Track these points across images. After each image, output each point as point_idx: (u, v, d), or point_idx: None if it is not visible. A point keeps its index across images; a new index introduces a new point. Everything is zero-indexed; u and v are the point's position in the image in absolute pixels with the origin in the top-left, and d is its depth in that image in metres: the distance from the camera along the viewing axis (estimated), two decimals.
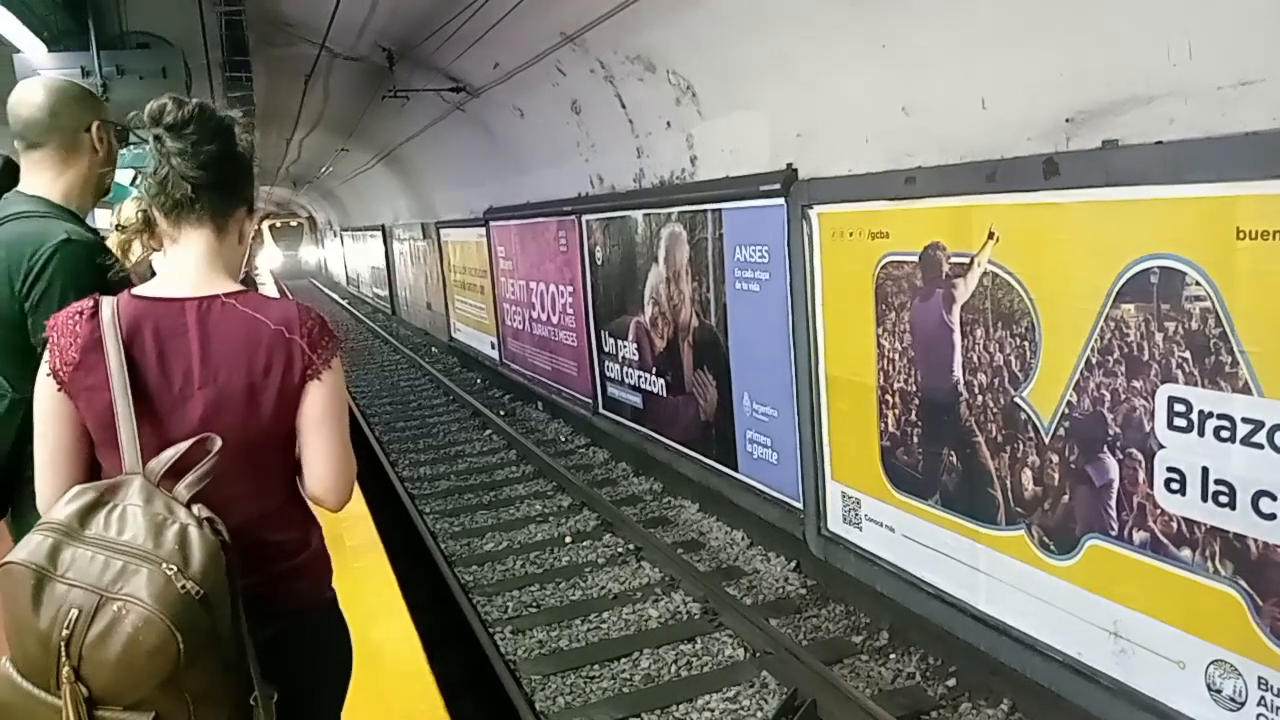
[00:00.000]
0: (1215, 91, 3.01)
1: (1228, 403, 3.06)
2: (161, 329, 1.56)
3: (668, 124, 6.75)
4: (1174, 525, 3.31)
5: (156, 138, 1.59)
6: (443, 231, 15.26)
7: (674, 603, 5.61)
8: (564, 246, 9.37)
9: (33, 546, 1.40)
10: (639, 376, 8.00)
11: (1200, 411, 3.16)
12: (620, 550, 6.52)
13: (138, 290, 1.62)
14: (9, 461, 2.10)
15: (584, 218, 8.70)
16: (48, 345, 1.57)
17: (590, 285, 8.84)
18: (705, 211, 6.40)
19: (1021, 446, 3.93)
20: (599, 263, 8.55)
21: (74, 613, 1.34)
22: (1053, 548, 3.84)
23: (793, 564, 5.92)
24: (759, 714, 4.37)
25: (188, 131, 1.59)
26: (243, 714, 1.45)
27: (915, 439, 4.56)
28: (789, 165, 5.31)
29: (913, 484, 4.62)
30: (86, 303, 1.58)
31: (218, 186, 1.64)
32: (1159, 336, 3.28)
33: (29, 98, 2.19)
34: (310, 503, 1.72)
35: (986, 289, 3.99)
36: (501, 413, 11.21)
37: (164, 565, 1.37)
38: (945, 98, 4.14)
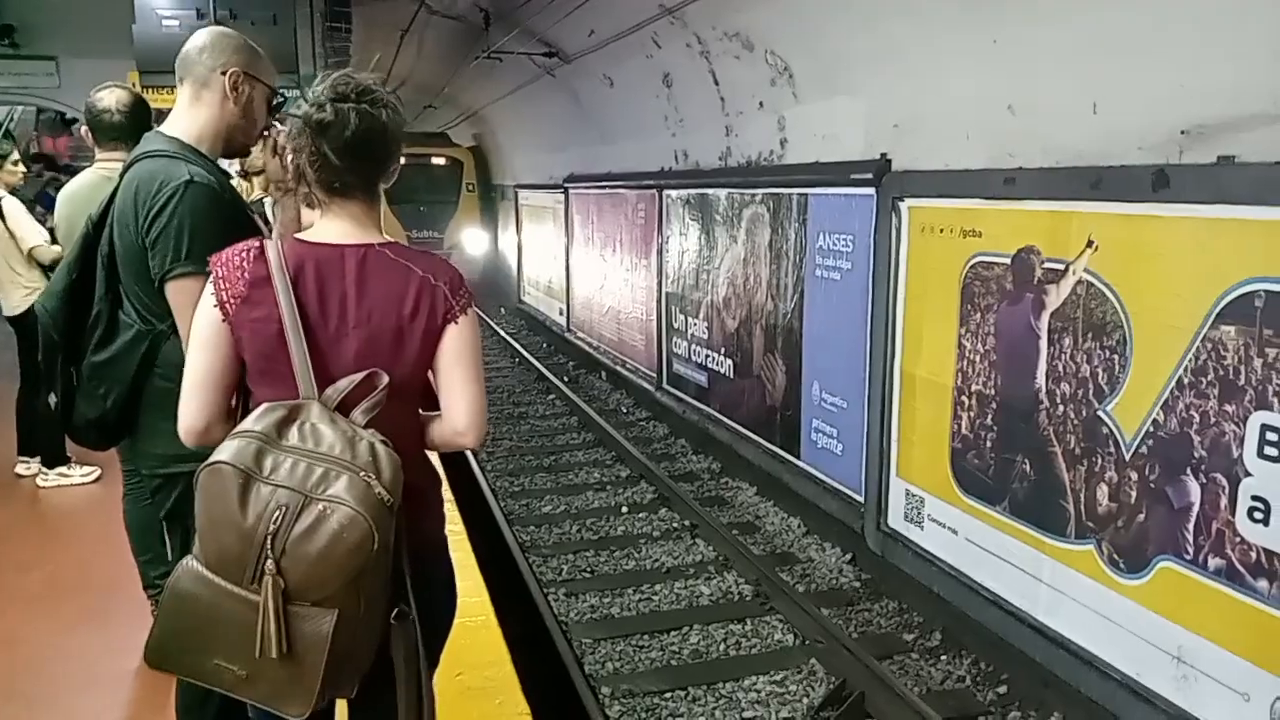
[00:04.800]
0: None
1: None
2: (322, 271, 1.66)
3: (760, 104, 6.71)
4: (1253, 555, 3.24)
5: (320, 122, 1.62)
6: (520, 194, 15.39)
7: (726, 582, 5.65)
8: (642, 219, 9.39)
9: (236, 449, 1.50)
10: (706, 355, 8.01)
11: None
12: (675, 525, 6.58)
13: (299, 235, 1.72)
14: (131, 390, 2.22)
15: (665, 192, 8.70)
16: (211, 279, 1.66)
17: (664, 260, 8.85)
18: (791, 195, 6.36)
19: (1100, 461, 3.86)
20: (676, 238, 8.55)
21: (279, 511, 1.46)
22: (1122, 566, 3.78)
23: (848, 556, 5.91)
24: (805, 700, 4.40)
25: (353, 122, 1.63)
26: (384, 630, 1.59)
27: (989, 443, 4.52)
28: (883, 155, 5.25)
29: (981, 488, 4.57)
30: (253, 243, 1.68)
31: (374, 170, 1.72)
32: (1258, 362, 3.19)
33: (193, 38, 2.28)
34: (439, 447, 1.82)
35: (1079, 298, 3.92)
36: (565, 379, 11.32)
37: (362, 473, 1.49)
38: (1055, 99, 4.05)
